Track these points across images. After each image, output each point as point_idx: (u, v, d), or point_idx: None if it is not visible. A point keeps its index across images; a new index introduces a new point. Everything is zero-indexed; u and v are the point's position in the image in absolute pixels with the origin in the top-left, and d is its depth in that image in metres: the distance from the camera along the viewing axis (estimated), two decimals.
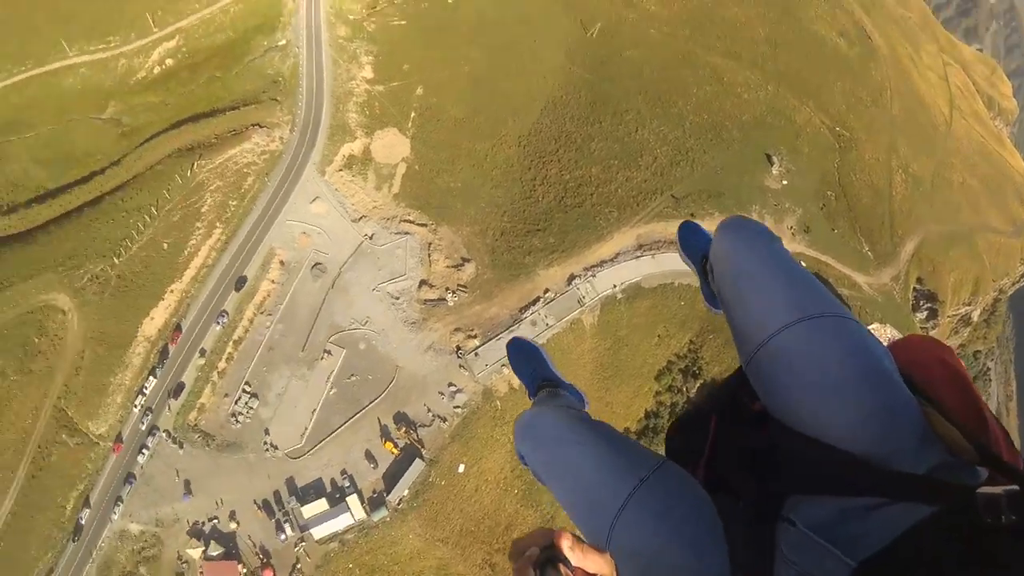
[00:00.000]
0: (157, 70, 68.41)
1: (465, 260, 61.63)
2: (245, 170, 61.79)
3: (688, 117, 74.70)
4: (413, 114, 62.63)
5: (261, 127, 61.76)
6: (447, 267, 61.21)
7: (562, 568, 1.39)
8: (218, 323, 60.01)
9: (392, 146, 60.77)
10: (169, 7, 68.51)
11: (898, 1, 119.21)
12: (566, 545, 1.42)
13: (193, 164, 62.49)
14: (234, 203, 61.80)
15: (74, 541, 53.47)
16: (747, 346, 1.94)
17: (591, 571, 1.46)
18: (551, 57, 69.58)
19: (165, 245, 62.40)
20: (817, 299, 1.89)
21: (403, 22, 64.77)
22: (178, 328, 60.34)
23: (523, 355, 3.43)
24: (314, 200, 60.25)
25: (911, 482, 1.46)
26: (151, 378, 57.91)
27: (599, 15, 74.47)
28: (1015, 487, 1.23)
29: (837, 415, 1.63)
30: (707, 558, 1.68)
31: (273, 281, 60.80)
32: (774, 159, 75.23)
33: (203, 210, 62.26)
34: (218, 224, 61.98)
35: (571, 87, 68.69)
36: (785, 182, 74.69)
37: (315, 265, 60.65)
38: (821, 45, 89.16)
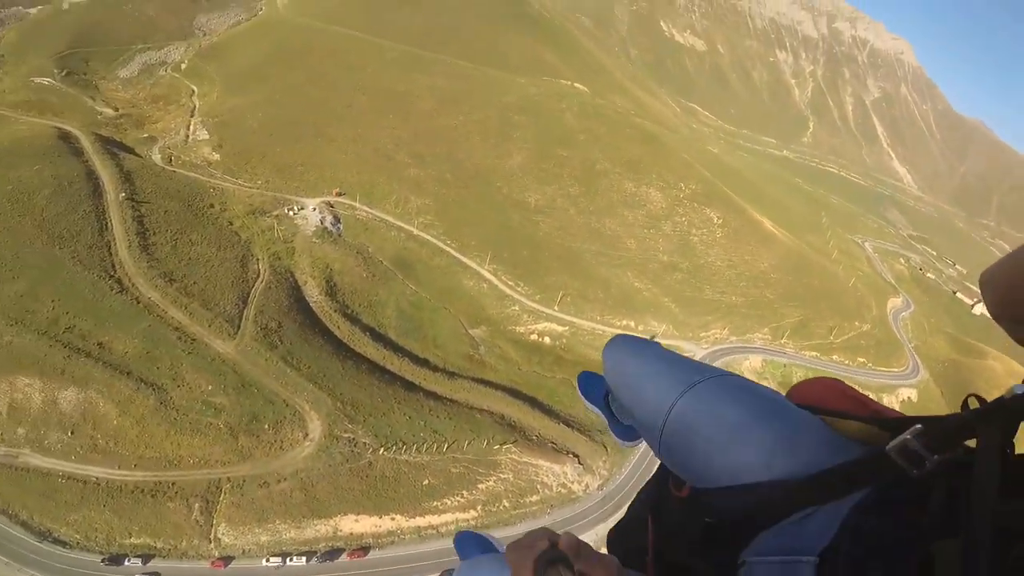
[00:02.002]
0: (533, 337, 76.23)
1: None
2: (538, 486, 60.19)
3: None
4: None
5: (579, 462, 60.60)
6: None
7: (563, 569, 1.32)
8: None
9: None
10: (580, 303, 78.22)
11: None
12: (572, 548, 1.38)
13: (505, 443, 63.61)
14: (507, 503, 59.77)
15: (104, 562, 50.97)
16: (654, 431, 2.05)
17: None
18: None
19: (426, 481, 62.46)
20: (697, 369, 2.10)
21: None
22: (364, 549, 57.24)
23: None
24: None
25: (830, 475, 1.50)
26: (303, 558, 54.71)
27: None
28: (917, 425, 1.31)
29: (746, 452, 1.72)
30: None
31: None
32: None
33: (479, 485, 61.48)
34: (479, 507, 60.10)
35: None
36: None
37: None
38: None
